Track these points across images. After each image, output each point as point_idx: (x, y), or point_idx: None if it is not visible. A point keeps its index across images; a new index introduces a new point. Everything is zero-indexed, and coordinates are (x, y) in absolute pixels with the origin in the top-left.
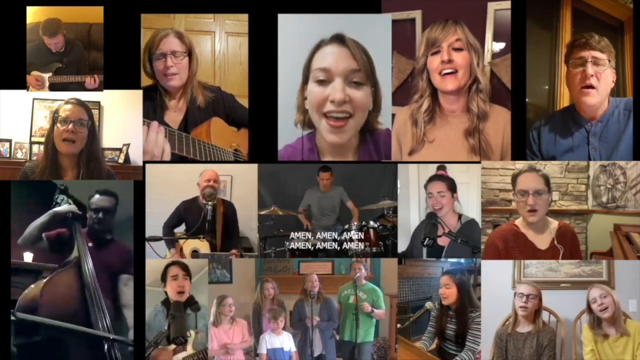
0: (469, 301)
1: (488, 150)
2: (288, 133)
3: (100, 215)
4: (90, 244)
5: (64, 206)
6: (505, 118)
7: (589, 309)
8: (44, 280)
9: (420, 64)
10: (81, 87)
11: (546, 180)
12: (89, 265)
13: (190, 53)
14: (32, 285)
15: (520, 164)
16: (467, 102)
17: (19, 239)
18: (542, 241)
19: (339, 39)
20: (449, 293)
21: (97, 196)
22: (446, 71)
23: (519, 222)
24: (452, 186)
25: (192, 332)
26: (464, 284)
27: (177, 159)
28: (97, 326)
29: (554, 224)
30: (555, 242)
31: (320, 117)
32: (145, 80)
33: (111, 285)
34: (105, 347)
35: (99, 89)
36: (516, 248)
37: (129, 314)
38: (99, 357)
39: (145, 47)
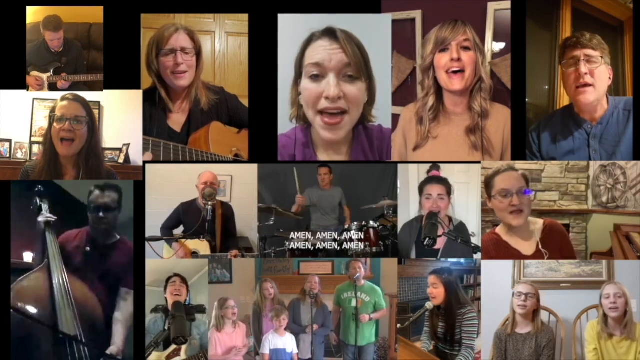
0: (457, 300)
1: (489, 147)
2: (286, 130)
3: (101, 214)
4: (87, 249)
5: (40, 219)
6: (505, 116)
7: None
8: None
9: (426, 62)
10: (80, 86)
11: (526, 179)
12: (59, 269)
13: (198, 52)
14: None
15: (498, 164)
16: (469, 101)
17: None
18: (527, 247)
19: (330, 32)
20: (436, 293)
21: (96, 192)
22: (454, 69)
23: (499, 229)
24: (449, 189)
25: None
26: (451, 283)
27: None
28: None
29: (538, 223)
30: (540, 246)
31: (315, 114)
32: (146, 82)
33: (108, 294)
34: (69, 350)
35: (68, 89)
36: (500, 258)
37: (118, 330)
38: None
39: (152, 41)
